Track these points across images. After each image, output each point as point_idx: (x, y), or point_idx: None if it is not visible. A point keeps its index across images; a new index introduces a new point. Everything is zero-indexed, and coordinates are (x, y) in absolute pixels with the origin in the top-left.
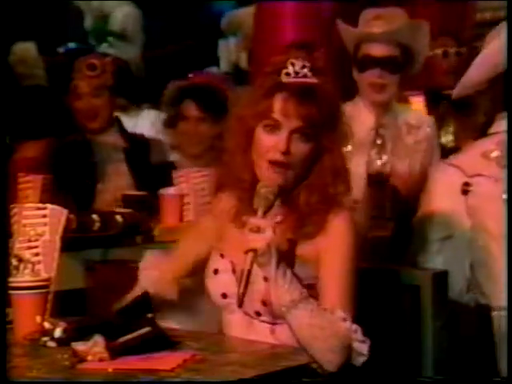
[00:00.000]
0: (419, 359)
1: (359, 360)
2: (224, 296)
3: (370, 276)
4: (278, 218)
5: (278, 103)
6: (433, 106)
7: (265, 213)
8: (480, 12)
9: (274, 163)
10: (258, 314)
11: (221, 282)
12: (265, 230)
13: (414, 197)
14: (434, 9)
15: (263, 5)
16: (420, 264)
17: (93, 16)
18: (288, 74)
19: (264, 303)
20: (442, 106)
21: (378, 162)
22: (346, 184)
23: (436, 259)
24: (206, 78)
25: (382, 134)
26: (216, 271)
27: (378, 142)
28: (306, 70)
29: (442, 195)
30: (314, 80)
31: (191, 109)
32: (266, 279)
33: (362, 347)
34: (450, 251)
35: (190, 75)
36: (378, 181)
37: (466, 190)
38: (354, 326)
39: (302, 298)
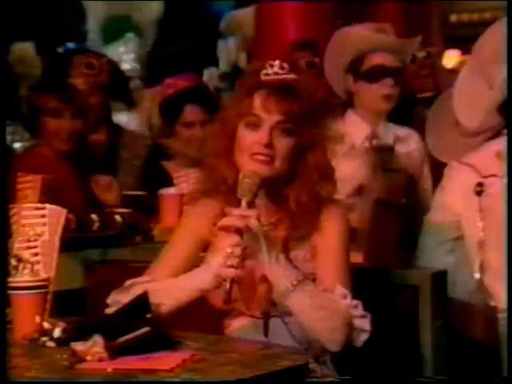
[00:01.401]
0: (418, 359)
1: (362, 337)
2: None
3: (369, 276)
4: (273, 219)
5: (258, 100)
6: (406, 109)
7: (249, 204)
8: (480, 12)
9: (256, 154)
10: (268, 315)
11: (220, 289)
12: (249, 219)
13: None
14: (398, 12)
15: (264, 5)
16: (430, 263)
17: (110, 13)
18: (267, 74)
19: (273, 303)
20: (416, 110)
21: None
22: (333, 183)
23: (447, 259)
24: (194, 80)
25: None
26: None
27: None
28: (285, 71)
29: (456, 195)
30: (293, 76)
31: (196, 113)
32: (266, 278)
33: (364, 323)
34: (461, 251)
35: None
36: (387, 203)
37: (479, 190)
38: (355, 302)
39: (299, 281)
